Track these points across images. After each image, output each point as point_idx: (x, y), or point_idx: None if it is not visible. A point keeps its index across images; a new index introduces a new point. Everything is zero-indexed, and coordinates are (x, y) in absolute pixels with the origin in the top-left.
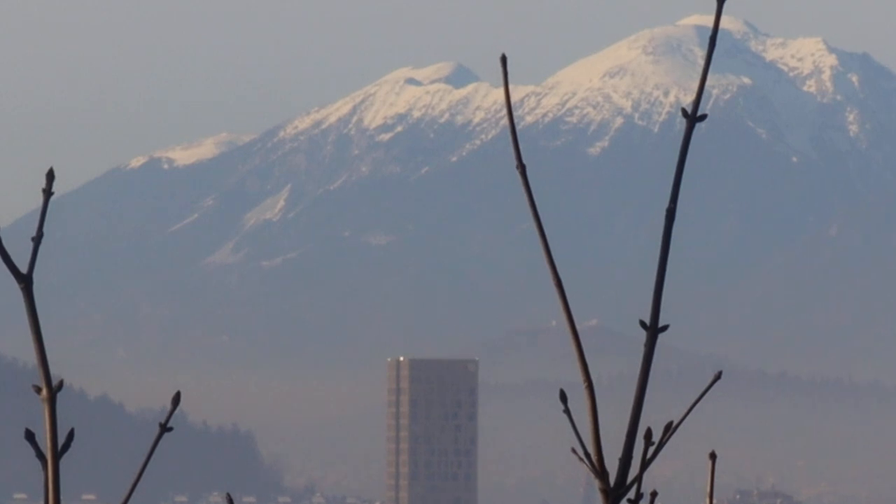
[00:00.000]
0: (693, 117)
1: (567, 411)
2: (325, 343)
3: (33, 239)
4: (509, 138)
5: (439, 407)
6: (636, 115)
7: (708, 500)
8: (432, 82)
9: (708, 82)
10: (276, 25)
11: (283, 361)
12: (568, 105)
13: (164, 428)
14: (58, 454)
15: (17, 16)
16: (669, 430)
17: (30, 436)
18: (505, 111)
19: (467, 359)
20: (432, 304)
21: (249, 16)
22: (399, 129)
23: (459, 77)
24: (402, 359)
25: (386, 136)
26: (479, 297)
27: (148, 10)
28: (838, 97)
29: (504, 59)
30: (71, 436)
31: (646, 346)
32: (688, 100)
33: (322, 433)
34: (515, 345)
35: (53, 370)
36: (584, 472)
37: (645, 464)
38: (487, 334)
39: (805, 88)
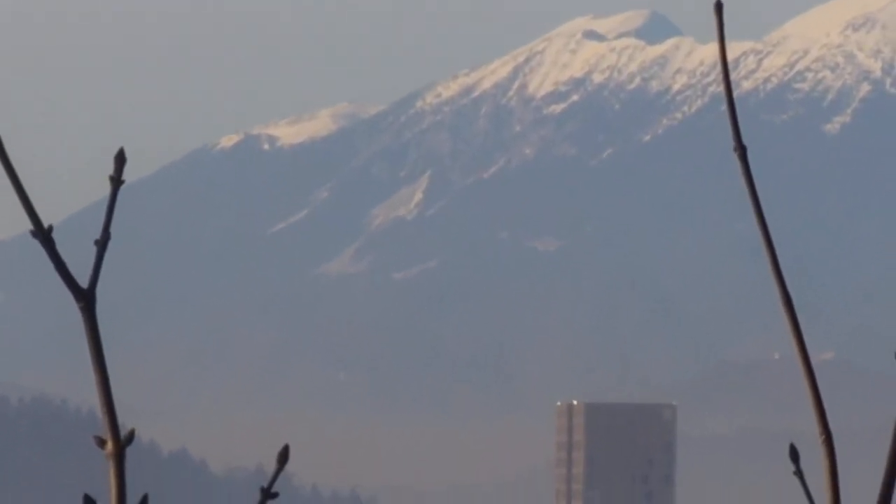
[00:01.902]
0: None
1: (799, 472)
2: (473, 382)
3: (96, 242)
4: (722, 111)
5: (624, 465)
6: (888, 81)
7: None
8: (619, 37)
9: None
10: None
11: (417, 406)
12: (798, 67)
13: (268, 494)
14: None
15: None
16: None
17: (89, 501)
18: (716, 74)
19: (662, 403)
20: (617, 329)
21: None
22: (575, 97)
23: (655, 30)
24: (575, 403)
25: (557, 108)
26: (677, 320)
27: None
28: None
29: (719, 6)
30: (144, 502)
31: None
32: None
33: (469, 497)
34: (726, 384)
35: (121, 417)
36: None
37: None
38: (689, 371)
39: None
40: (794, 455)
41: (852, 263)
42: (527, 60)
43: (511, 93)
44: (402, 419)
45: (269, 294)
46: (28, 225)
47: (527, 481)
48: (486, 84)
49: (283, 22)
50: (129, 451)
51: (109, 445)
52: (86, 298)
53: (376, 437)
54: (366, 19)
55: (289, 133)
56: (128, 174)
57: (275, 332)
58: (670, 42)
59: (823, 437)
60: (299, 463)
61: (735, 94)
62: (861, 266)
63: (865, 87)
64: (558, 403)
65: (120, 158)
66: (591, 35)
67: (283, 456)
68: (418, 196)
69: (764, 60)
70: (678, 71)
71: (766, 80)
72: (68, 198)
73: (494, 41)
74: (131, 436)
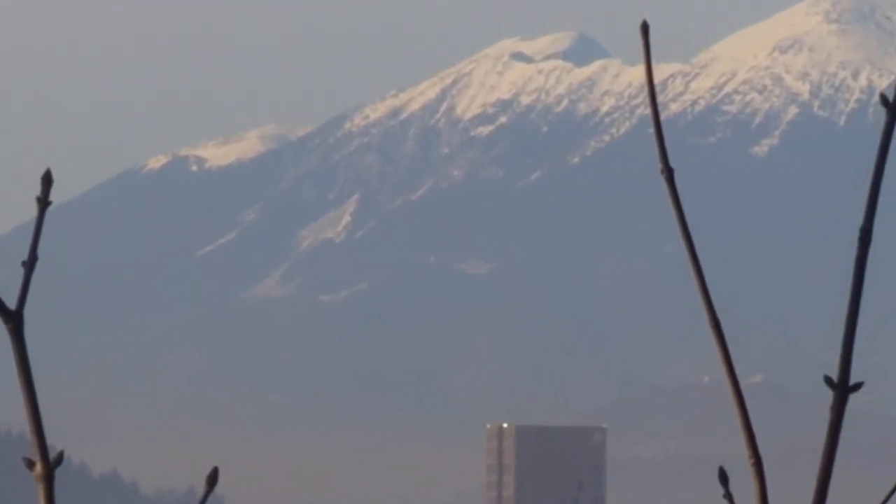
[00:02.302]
0: (895, 106)
1: (728, 496)
2: (402, 405)
3: (24, 264)
4: (650, 133)
5: (555, 489)
6: (816, 104)
7: None
8: (546, 58)
9: None
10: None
11: (347, 429)
12: (726, 89)
13: None
14: None
15: None
16: None
17: None
18: (643, 97)
19: (592, 426)
20: (546, 352)
21: None
22: (502, 119)
23: (582, 52)
24: (505, 426)
25: (485, 130)
26: (606, 343)
27: None
28: None
29: (645, 28)
30: None
31: (832, 409)
32: (885, 83)
33: None
34: (656, 407)
35: (50, 439)
36: None
37: None
38: (618, 394)
39: None
40: (724, 478)
41: (781, 287)
42: (454, 82)
43: (439, 115)
44: (332, 441)
45: (197, 316)
46: None
47: (461, 502)
48: (414, 106)
49: (210, 43)
50: (59, 472)
51: (38, 467)
52: (14, 320)
53: (307, 459)
54: (293, 41)
55: (217, 154)
56: (55, 196)
57: (204, 354)
58: (598, 64)
59: (753, 460)
60: (230, 485)
61: (663, 116)
62: (790, 289)
63: (793, 110)
64: (488, 426)
65: (47, 180)
66: (518, 57)
67: (213, 478)
68: (346, 218)
69: (691, 83)
70: (606, 93)
71: (694, 102)
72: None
73: (422, 63)
74: (60, 457)
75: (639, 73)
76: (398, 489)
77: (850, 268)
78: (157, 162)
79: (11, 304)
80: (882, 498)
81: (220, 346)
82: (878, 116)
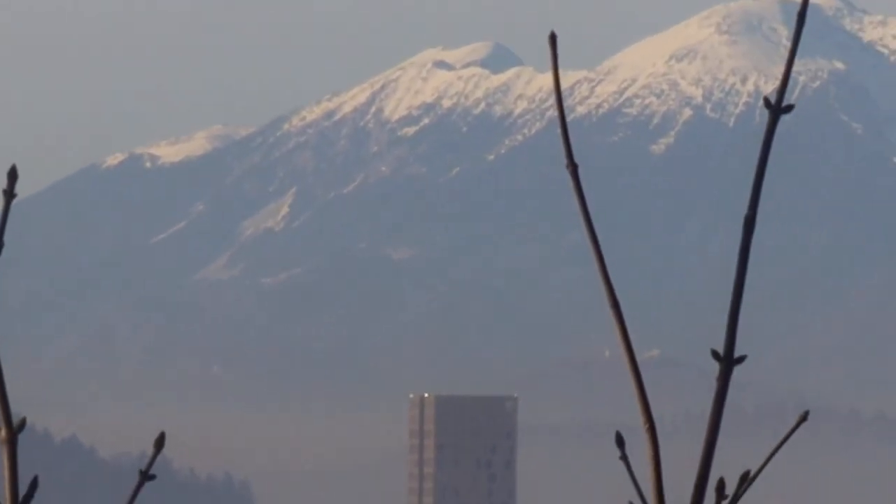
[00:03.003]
0: (777, 109)
1: (624, 457)
2: (334, 376)
3: None
4: (558, 133)
5: (471, 452)
6: (708, 106)
7: None
8: (466, 66)
9: (794, 67)
10: (282, 1)
11: (285, 398)
12: (627, 94)
13: (146, 476)
14: None
15: None
16: (746, 480)
17: None
18: (552, 100)
19: (505, 395)
20: (463, 329)
21: None
22: (426, 121)
23: (498, 60)
24: (426, 395)
25: (410, 130)
26: (519, 321)
27: None
28: None
29: (553, 39)
30: (34, 484)
31: (718, 380)
32: (770, 88)
33: (331, 483)
34: (562, 379)
35: (14, 407)
36: None
37: None
38: (529, 366)
39: None
40: (620, 442)
41: (674, 270)
42: (383, 87)
43: (369, 117)
44: (270, 409)
45: (151, 297)
46: None
47: (383, 466)
48: (347, 108)
49: (162, 50)
50: (22, 438)
51: (3, 433)
52: None
53: (247, 427)
54: (237, 48)
55: (169, 152)
56: (22, 189)
57: (156, 332)
58: (512, 71)
59: (647, 426)
60: (179, 449)
61: (569, 117)
62: (682, 272)
63: (687, 112)
64: (411, 396)
65: (13, 174)
66: (440, 65)
67: (160, 442)
68: (285, 209)
69: (596, 88)
70: (519, 97)
71: (598, 105)
72: None
73: (354, 70)
74: (23, 424)
75: (548, 79)
76: (329, 452)
77: (737, 252)
78: (114, 159)
79: None
80: (764, 458)
81: (171, 324)
82: (764, 118)
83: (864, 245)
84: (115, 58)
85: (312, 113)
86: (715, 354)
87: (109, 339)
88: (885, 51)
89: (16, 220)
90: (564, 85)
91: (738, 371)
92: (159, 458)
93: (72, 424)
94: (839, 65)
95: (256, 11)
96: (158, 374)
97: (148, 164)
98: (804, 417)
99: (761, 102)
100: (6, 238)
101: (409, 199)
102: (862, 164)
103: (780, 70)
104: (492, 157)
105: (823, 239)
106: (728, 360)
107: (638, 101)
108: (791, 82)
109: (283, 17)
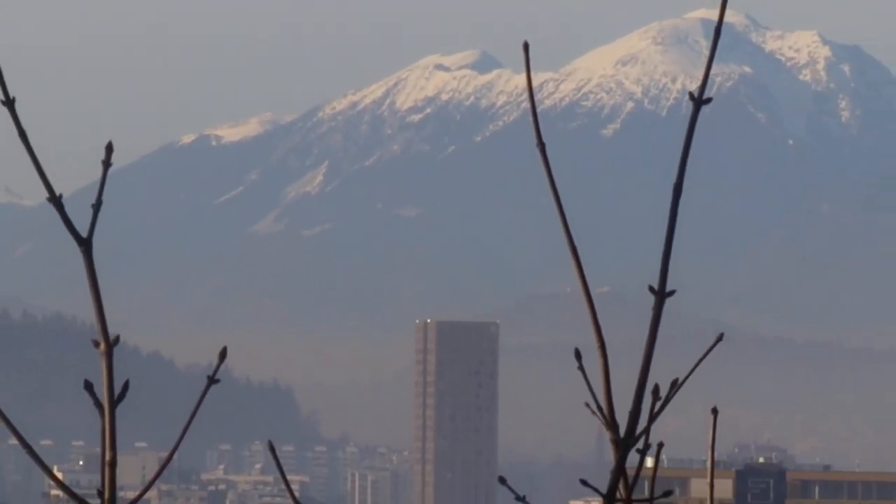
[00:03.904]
0: (699, 101)
1: (581, 368)
2: (358, 306)
3: (93, 206)
4: (530, 120)
5: (463, 366)
6: (646, 100)
7: (709, 453)
8: (459, 68)
9: (712, 71)
10: (317, 16)
11: (320, 323)
12: (583, 90)
13: (212, 380)
14: (114, 404)
15: None
16: (675, 386)
17: (88, 386)
18: (526, 95)
19: (489, 321)
20: (457, 271)
21: (295, 8)
22: (428, 111)
23: (484, 64)
24: (429, 321)
25: (416, 118)
26: (500, 265)
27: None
28: (831, 86)
29: (526, 47)
30: (126, 387)
31: (654, 309)
32: (693, 86)
33: (355, 389)
34: (533, 309)
35: (111, 328)
36: (596, 425)
37: (652, 417)
38: (508, 299)
39: (801, 77)
40: (578, 356)
41: (620, 225)
42: (395, 84)
43: (384, 107)
44: (308, 334)
45: (215, 247)
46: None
47: (395, 377)
48: (367, 101)
49: (224, 52)
50: (118, 351)
51: (102, 346)
52: (86, 244)
53: (291, 345)
54: (284, 54)
55: (229, 133)
56: (115, 160)
57: (220, 273)
58: (495, 72)
59: (599, 345)
60: (237, 361)
61: (539, 109)
62: (627, 227)
63: (630, 105)
64: (416, 322)
65: (109, 148)
66: (440, 67)
67: (222, 354)
68: (319, 178)
69: (560, 85)
70: (500, 92)
71: (561, 99)
72: (76, 176)
73: (373, 71)
74: (117, 340)
75: (522, 79)
76: (353, 365)
77: (668, 212)
78: (188, 138)
79: (84, 234)
80: (688, 370)
81: (232, 267)
82: (688, 109)
83: (766, 208)
84: (187, 58)
85: (341, 104)
86: (651, 289)
87: (185, 277)
88: (783, 58)
89: (112, 185)
90: (535, 83)
91: (669, 303)
92: (222, 367)
93: (155, 342)
94: (747, 69)
95: (299, 26)
96: (222, 305)
97: (213, 143)
98: (719, 338)
99: (687, 97)
100: (105, 198)
101: (416, 170)
102: (764, 146)
103: (701, 72)
104: (479, 138)
105: (735, 203)
106: (661, 294)
107: (592, 97)
108: (709, 82)
109: (319, 30)
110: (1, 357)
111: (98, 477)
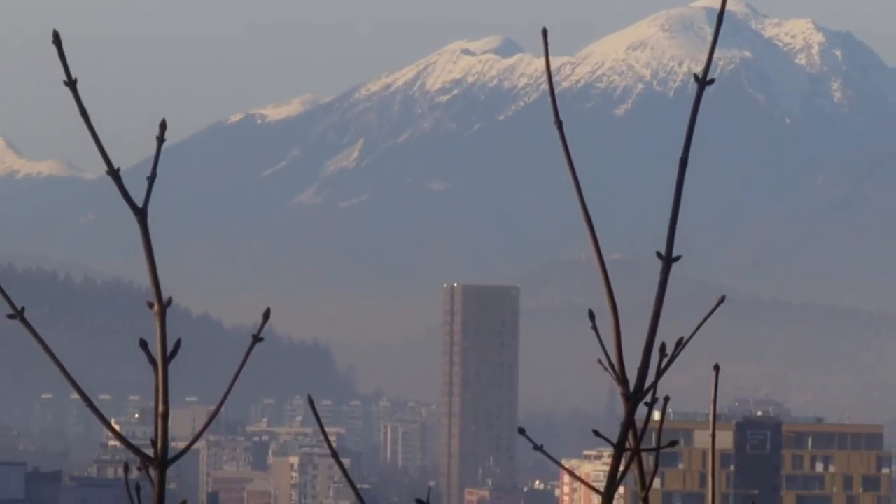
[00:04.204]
0: (703, 82)
1: (594, 328)
2: (391, 271)
3: (148, 179)
4: (548, 100)
5: (487, 326)
6: (655, 83)
7: (712, 406)
8: (484, 53)
9: (715, 55)
10: (354, 4)
11: (356, 287)
12: (597, 73)
13: (256, 339)
14: (166, 361)
15: None
16: (680, 344)
17: (143, 344)
18: (545, 78)
19: (511, 285)
20: (482, 239)
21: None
22: (455, 92)
23: (507, 49)
24: (455, 285)
25: (444, 98)
26: (521, 234)
27: None
28: (825, 69)
29: (545, 33)
30: (177, 345)
31: (661, 273)
32: (698, 70)
33: (388, 348)
34: (551, 274)
35: (164, 291)
36: (608, 381)
37: (659, 373)
38: (528, 265)
39: (797, 61)
40: (592, 317)
41: (631, 197)
42: (426, 67)
43: (415, 88)
44: (346, 296)
45: (260, 216)
46: (105, 167)
47: (425, 336)
48: (400, 82)
49: (270, 38)
50: (171, 312)
51: (156, 307)
52: (141, 214)
53: (329, 307)
54: (324, 40)
55: (273, 113)
56: (169, 137)
57: (264, 241)
58: (516, 57)
59: (610, 306)
60: (280, 322)
61: (556, 90)
62: (637, 199)
63: (640, 86)
64: (444, 285)
65: (163, 125)
66: (466, 52)
67: (266, 314)
68: (356, 154)
69: (576, 68)
70: (521, 75)
71: (577, 81)
72: (133, 151)
73: (405, 55)
74: (169, 302)
75: (541, 62)
76: (386, 325)
77: (674, 185)
78: (235, 117)
79: (140, 204)
80: (692, 331)
81: (275, 235)
82: (694, 90)
83: (765, 180)
84: (235, 43)
85: (376, 85)
86: (659, 255)
87: (232, 244)
88: (780, 44)
89: (166, 160)
90: (553, 67)
91: (675, 268)
92: (266, 327)
93: (205, 304)
94: (747, 53)
95: (337, 14)
96: (266, 269)
97: (259, 122)
98: (721, 301)
99: (692, 79)
100: (159, 172)
101: (444, 147)
102: (763, 124)
103: (705, 56)
104: (502, 117)
105: (736, 176)
106: (668, 259)
107: (605, 79)
108: (712, 65)
109: (355, 17)
110: (63, 318)
111: (152, 428)
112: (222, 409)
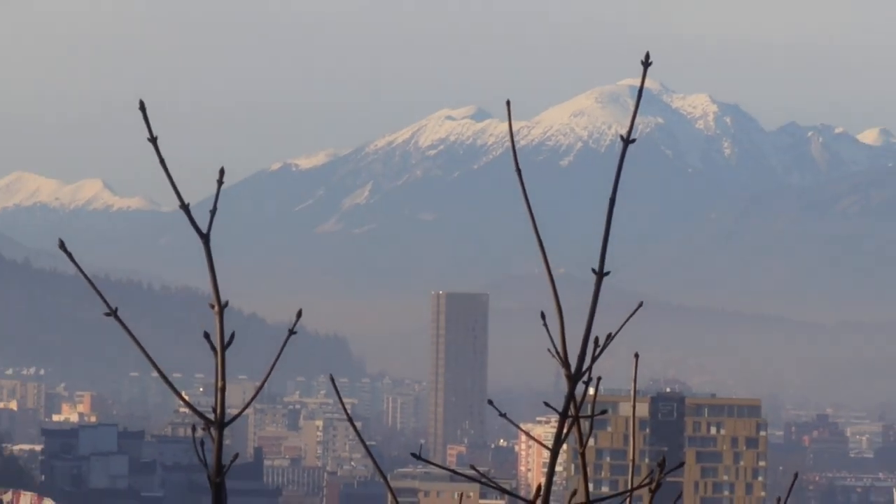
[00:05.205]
0: (627, 141)
1: (545, 325)
2: (392, 281)
3: (210, 211)
4: (511, 154)
5: (464, 323)
6: (590, 141)
7: (633, 385)
8: (462, 118)
9: (637, 120)
10: (366, 82)
11: (365, 293)
12: (547, 134)
13: (291, 332)
14: (224, 348)
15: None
16: (609, 338)
17: (206, 336)
18: (508, 137)
19: (482, 293)
20: (460, 257)
21: (352, 76)
22: (441, 147)
23: (479, 115)
24: (440, 292)
25: (433, 152)
26: (490, 253)
27: (281, 62)
28: (717, 132)
29: (508, 104)
30: (232, 337)
31: (595, 284)
32: (623, 132)
33: (390, 338)
34: (513, 284)
35: (221, 296)
36: (555, 365)
37: (593, 359)
38: (495, 277)
39: (696, 126)
40: (543, 316)
41: (574, 226)
42: (419, 129)
43: (410, 145)
44: (359, 300)
45: (294, 239)
46: (177, 202)
47: (417, 330)
48: (399, 140)
49: (303, 111)
50: (226, 312)
51: (216, 308)
52: (205, 238)
53: (346, 308)
54: (341, 107)
55: (304, 162)
56: (226, 179)
57: (296, 258)
58: (486, 121)
59: (557, 309)
60: (309, 319)
61: (517, 146)
62: (576, 225)
63: (579, 144)
64: (432, 292)
65: (221, 172)
66: (449, 118)
67: (298, 314)
68: (366, 193)
69: (531, 130)
70: (490, 135)
71: (532, 140)
72: (199, 190)
73: (403, 119)
74: (226, 304)
75: (505, 125)
76: (388, 323)
77: (605, 215)
78: (275, 166)
79: (204, 230)
80: (617, 329)
81: (305, 255)
82: (619, 147)
83: (672, 214)
84: (276, 109)
85: (381, 142)
86: (593, 270)
87: (273, 260)
88: (684, 113)
89: (224, 196)
90: (514, 129)
91: (605, 280)
92: (298, 323)
93: (253, 305)
94: (660, 120)
95: (354, 91)
96: (298, 279)
97: (293, 169)
98: (640, 305)
99: (619, 139)
100: (219, 206)
101: (433, 187)
102: (671, 172)
103: (628, 122)
104: (476, 166)
105: (651, 210)
106: (600, 274)
107: (553, 138)
108: (634, 128)
109: (366, 91)
110: (146, 316)
111: (213, 399)
112: (265, 385)
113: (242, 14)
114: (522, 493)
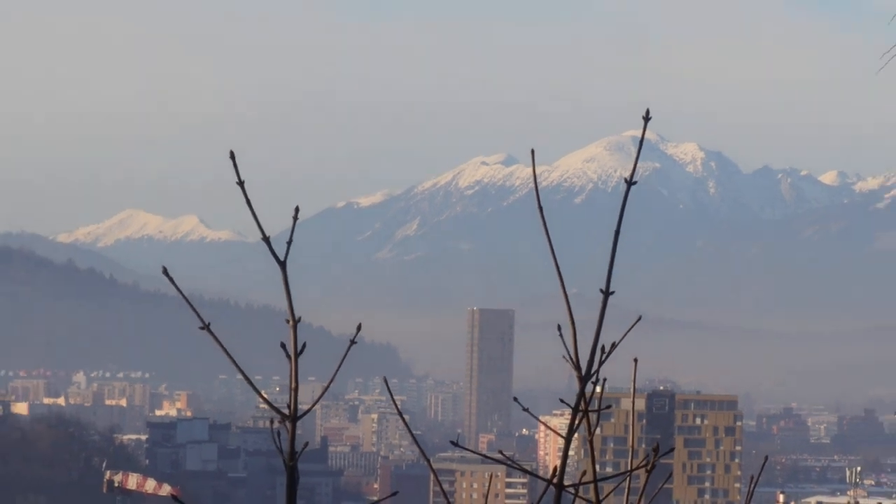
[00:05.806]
0: (630, 183)
1: (561, 335)
2: (436, 300)
3: (287, 242)
4: (535, 194)
5: (495, 335)
6: (599, 183)
7: (632, 384)
8: (495, 164)
9: (638, 166)
10: (415, 136)
11: (414, 309)
12: (564, 176)
13: (352, 342)
14: (297, 355)
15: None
16: (613, 346)
17: (282, 345)
18: (532, 179)
19: (510, 309)
20: (492, 279)
21: (403, 132)
22: (477, 188)
23: (509, 161)
24: (475, 308)
25: (470, 192)
26: (517, 276)
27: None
28: (704, 174)
29: (532, 152)
30: (303, 346)
31: (602, 302)
32: (627, 175)
33: (433, 346)
34: (536, 302)
35: (295, 311)
36: (569, 368)
37: (600, 363)
38: (522, 296)
39: (687, 169)
40: (559, 328)
41: (586, 254)
42: (458, 173)
43: (451, 185)
44: (408, 315)
45: (357, 265)
46: (259, 234)
47: (454, 341)
48: (442, 182)
49: (364, 158)
50: (299, 326)
51: (290, 322)
52: (282, 265)
53: (397, 321)
54: (395, 154)
55: (364, 201)
56: (301, 216)
57: (356, 281)
58: (515, 166)
59: (570, 322)
60: (367, 331)
61: (540, 187)
62: (588, 251)
63: (590, 185)
64: (468, 309)
65: (297, 209)
66: (483, 163)
67: (358, 327)
68: (415, 226)
69: (551, 174)
70: (517, 178)
71: (552, 181)
72: (277, 223)
73: (445, 164)
74: (299, 319)
75: (530, 170)
76: (430, 334)
77: (611, 243)
78: (340, 203)
79: (282, 257)
80: (620, 338)
81: (363, 279)
82: (623, 188)
83: (666, 244)
84: (342, 156)
85: (427, 184)
86: (600, 290)
87: (338, 281)
88: (677, 159)
89: (299, 231)
90: (537, 172)
91: (611, 299)
92: (358, 335)
93: (320, 319)
94: (657, 164)
95: (404, 140)
96: (359, 297)
97: (355, 206)
98: (638, 319)
99: (623, 181)
100: (294, 238)
101: (470, 221)
102: (665, 208)
103: (631, 166)
104: (506, 203)
105: (649, 240)
106: (606, 293)
107: (569, 180)
108: (636, 172)
109: (414, 140)
110: (233, 328)
111: (287, 397)
112: (330, 385)
113: (315, 80)
114: (542, 473)
